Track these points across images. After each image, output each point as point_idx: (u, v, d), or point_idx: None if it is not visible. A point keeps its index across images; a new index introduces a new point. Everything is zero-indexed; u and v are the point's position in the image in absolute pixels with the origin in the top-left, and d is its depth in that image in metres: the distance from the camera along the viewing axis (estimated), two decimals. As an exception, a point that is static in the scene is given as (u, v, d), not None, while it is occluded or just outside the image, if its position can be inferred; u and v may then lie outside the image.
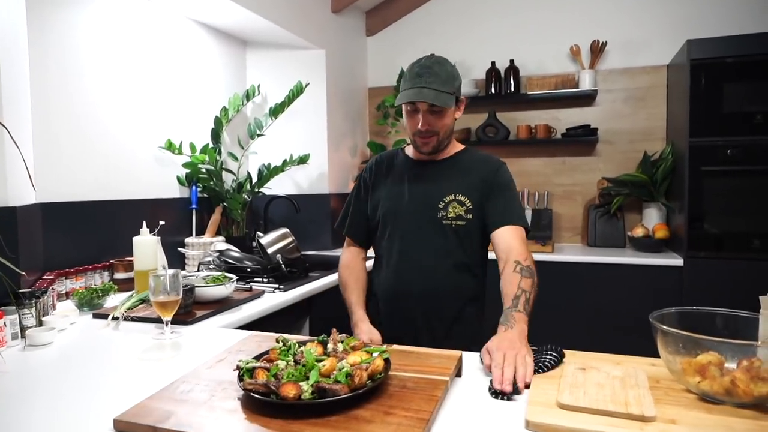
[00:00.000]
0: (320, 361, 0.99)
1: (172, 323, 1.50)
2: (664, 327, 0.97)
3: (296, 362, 0.99)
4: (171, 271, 1.43)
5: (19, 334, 1.38)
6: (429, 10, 3.74)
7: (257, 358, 1.03)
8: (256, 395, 0.88)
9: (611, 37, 3.31)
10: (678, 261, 2.78)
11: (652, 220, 3.17)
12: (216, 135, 2.81)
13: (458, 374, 1.10)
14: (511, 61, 3.43)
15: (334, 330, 1.13)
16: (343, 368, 0.94)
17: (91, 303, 1.73)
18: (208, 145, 2.67)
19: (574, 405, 0.90)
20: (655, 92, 3.29)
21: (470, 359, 1.19)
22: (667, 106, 3.27)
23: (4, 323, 1.33)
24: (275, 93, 3.13)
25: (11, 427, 0.92)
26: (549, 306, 2.99)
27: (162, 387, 1.00)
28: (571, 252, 3.14)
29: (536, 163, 3.57)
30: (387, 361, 0.99)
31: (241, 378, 0.95)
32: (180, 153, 2.51)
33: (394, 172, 1.68)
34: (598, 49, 3.29)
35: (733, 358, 0.98)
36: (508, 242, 1.50)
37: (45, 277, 1.78)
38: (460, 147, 1.68)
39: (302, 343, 1.08)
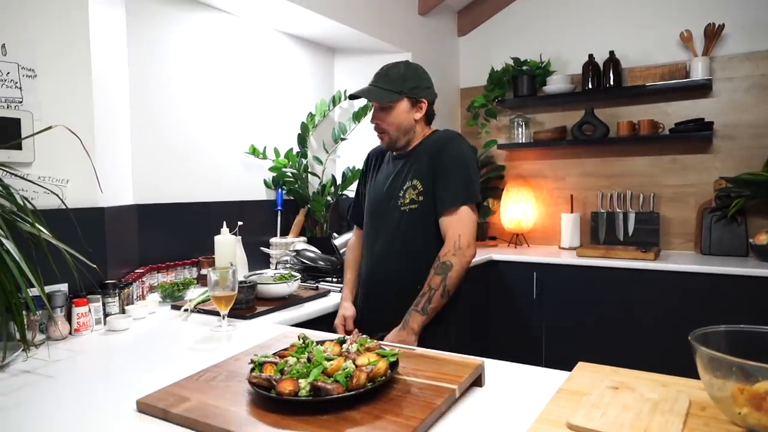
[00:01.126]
0: (332, 360, 1.00)
1: (233, 317, 1.61)
2: (704, 349, 0.84)
3: (309, 360, 1.02)
4: (230, 269, 1.53)
5: (102, 320, 1.57)
6: (521, 5, 3.60)
7: (276, 353, 1.07)
8: (257, 389, 0.92)
9: (730, 19, 2.94)
10: (811, 274, 2.39)
11: (780, 225, 2.76)
12: (302, 140, 2.95)
13: (479, 384, 1.05)
14: (611, 52, 3.19)
15: (356, 330, 1.13)
16: (346, 368, 0.95)
17: (172, 295, 1.91)
18: (292, 149, 2.81)
19: (584, 426, 0.82)
20: (786, 78, 2.86)
21: (496, 368, 1.13)
22: (802, 93, 2.83)
23: (89, 310, 1.52)
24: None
25: (59, 400, 1.05)
26: (648, 320, 2.73)
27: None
28: (679, 260, 2.82)
29: (640, 162, 3.27)
30: (394, 364, 0.98)
31: (253, 371, 0.99)
32: (264, 158, 2.68)
33: (380, 166, 1.83)
34: (713, 34, 2.94)
35: (801, 389, 0.83)
36: (444, 233, 1.61)
37: (138, 270, 2.00)
38: (428, 132, 1.76)
39: (321, 342, 1.11)
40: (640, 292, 2.76)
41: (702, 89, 3.03)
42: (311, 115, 2.99)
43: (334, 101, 3.09)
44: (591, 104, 3.28)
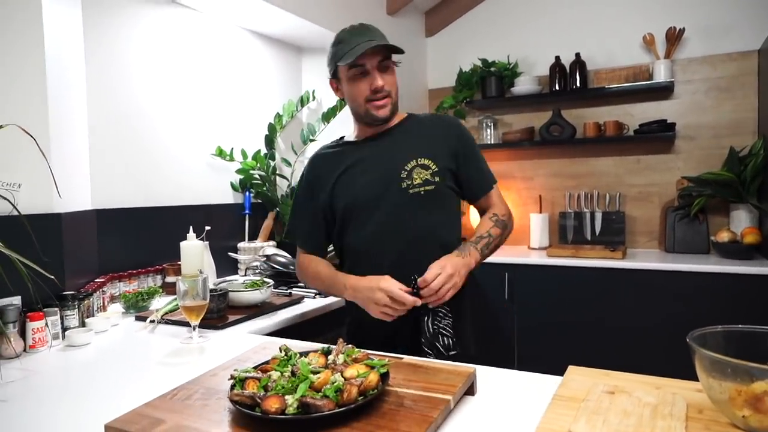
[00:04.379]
0: (318, 373, 0.94)
1: (204, 328, 1.52)
2: (705, 351, 0.83)
3: (293, 373, 0.95)
4: (200, 276, 1.45)
5: (60, 335, 1.46)
6: (489, 6, 3.61)
7: (257, 367, 1.01)
8: (239, 407, 0.85)
9: (690, 23, 3.02)
10: (771, 269, 2.47)
11: (740, 223, 2.84)
12: (270, 141, 2.86)
13: (471, 392, 1.01)
14: (577, 54, 3.23)
15: (341, 340, 1.08)
16: (335, 382, 0.89)
17: (136, 305, 1.80)
18: (260, 151, 2.72)
19: (587, 436, 0.79)
20: (743, 81, 2.95)
21: (487, 375, 1.10)
22: (758, 96, 2.92)
23: (45, 324, 1.40)
24: (331, 97, 3.13)
25: (13, 427, 0.95)
26: (618, 318, 2.76)
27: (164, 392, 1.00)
28: (645, 258, 2.88)
29: (606, 162, 3.33)
30: (384, 376, 0.93)
31: (233, 388, 0.92)
32: (231, 159, 2.58)
33: (342, 161, 1.50)
34: (674, 37, 3.01)
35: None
36: (489, 204, 1.57)
37: (98, 279, 1.88)
38: (404, 114, 1.58)
39: (304, 353, 1.04)
40: (609, 290, 2.80)
41: (664, 91, 3.10)
42: (279, 116, 2.91)
43: (302, 102, 3.01)
44: (558, 105, 3.32)
